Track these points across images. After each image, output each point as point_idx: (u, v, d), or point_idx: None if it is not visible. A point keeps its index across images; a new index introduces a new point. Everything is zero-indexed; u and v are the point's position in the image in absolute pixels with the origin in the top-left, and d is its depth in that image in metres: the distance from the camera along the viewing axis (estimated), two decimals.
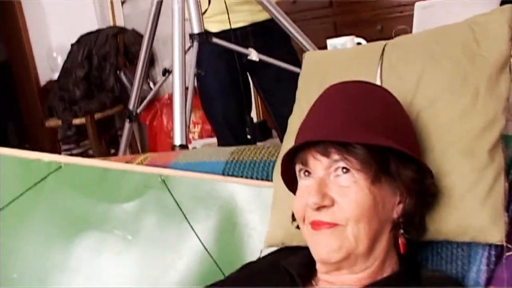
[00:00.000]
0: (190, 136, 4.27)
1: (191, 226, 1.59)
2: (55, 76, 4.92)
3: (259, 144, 3.74)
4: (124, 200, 1.67)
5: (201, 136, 4.60)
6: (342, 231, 1.14)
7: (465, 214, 1.21)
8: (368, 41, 2.19)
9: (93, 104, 4.63)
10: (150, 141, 4.96)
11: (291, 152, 1.20)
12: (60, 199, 1.72)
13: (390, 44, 1.42)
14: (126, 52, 4.82)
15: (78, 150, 5.12)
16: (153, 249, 1.62)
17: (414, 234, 1.23)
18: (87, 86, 4.71)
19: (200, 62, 2.56)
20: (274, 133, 3.96)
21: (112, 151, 4.95)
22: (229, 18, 2.78)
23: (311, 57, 1.60)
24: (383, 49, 1.40)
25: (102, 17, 5.07)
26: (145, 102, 3.09)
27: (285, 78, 2.74)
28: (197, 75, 2.56)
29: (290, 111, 1.56)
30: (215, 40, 2.59)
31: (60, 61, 4.95)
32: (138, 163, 1.75)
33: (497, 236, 1.19)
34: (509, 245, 1.21)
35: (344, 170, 1.15)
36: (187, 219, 1.60)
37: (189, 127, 2.51)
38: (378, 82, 1.35)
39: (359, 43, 2.20)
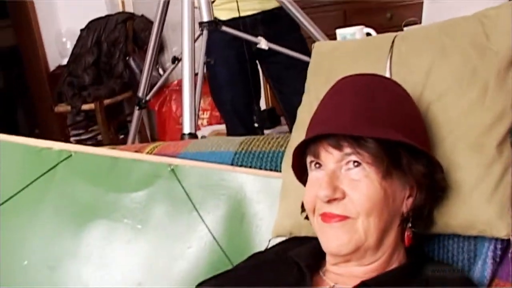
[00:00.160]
0: (199, 122, 4.27)
1: (200, 216, 1.60)
2: (64, 61, 4.93)
3: (267, 131, 3.75)
4: (133, 189, 1.67)
5: (210, 123, 4.61)
6: (353, 224, 1.15)
7: (472, 208, 1.22)
8: (377, 29, 2.19)
9: (102, 90, 4.64)
10: (159, 127, 4.97)
11: (303, 144, 1.21)
12: (70, 187, 1.73)
13: (400, 36, 1.42)
14: (135, 38, 4.82)
15: (87, 135, 5.12)
16: (162, 238, 1.63)
17: (422, 228, 1.23)
18: (96, 72, 4.72)
19: (209, 50, 2.57)
20: (282, 120, 3.97)
21: (121, 136, 4.97)
22: (238, 6, 2.78)
23: (320, 47, 1.59)
24: (393, 42, 1.40)
25: (112, 2, 5.07)
26: (154, 89, 3.10)
27: (294, 66, 2.74)
28: (207, 64, 2.57)
29: (299, 100, 1.56)
30: (224, 28, 2.60)
31: (69, 46, 4.95)
32: (147, 152, 1.76)
33: (503, 230, 1.19)
34: None
35: (356, 163, 1.15)
36: (196, 209, 1.60)
37: (198, 115, 2.52)
38: (387, 75, 1.35)
39: (368, 34, 2.19)
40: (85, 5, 4.93)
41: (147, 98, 3.07)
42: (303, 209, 1.29)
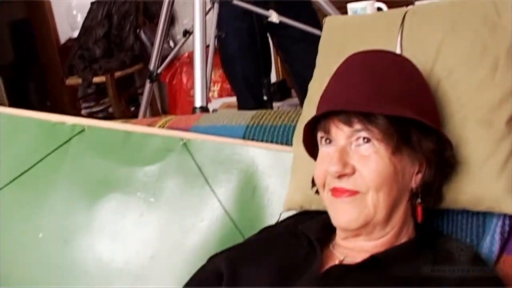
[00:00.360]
0: (210, 95, 4.28)
1: (212, 189, 1.61)
2: (75, 34, 4.93)
3: (278, 104, 3.76)
4: (146, 163, 1.68)
5: (220, 95, 4.61)
6: (362, 200, 1.17)
7: (481, 184, 1.22)
8: (388, 4, 2.19)
9: (113, 62, 4.64)
10: (169, 100, 4.98)
11: (313, 120, 1.21)
12: (83, 161, 1.74)
13: (411, 11, 1.42)
14: (146, 10, 4.81)
15: (98, 108, 5.14)
16: (175, 211, 1.64)
17: (431, 203, 1.24)
18: (107, 44, 4.72)
19: (220, 23, 2.57)
20: (293, 93, 3.97)
21: (132, 109, 4.98)
22: None
23: (332, 22, 1.59)
24: (404, 16, 1.40)
25: None
26: (165, 62, 3.12)
27: (305, 39, 2.74)
28: (218, 37, 2.57)
29: (309, 73, 1.56)
30: (235, 1, 2.59)
31: (80, 19, 4.95)
32: (159, 126, 1.77)
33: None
34: None
35: (366, 140, 1.16)
36: (208, 183, 1.61)
37: (209, 88, 2.54)
38: (398, 50, 1.36)
39: (379, 8, 2.19)
40: None
41: (158, 71, 3.08)
42: (313, 183, 1.30)
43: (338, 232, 1.25)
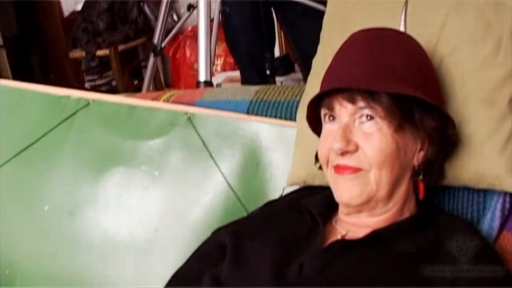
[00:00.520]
0: (213, 69, 4.29)
1: (216, 164, 1.62)
2: (79, 7, 4.90)
3: (281, 78, 3.76)
4: (151, 137, 1.69)
5: (223, 69, 4.60)
6: (365, 176, 1.18)
7: (483, 162, 1.23)
8: None
9: (116, 36, 4.62)
10: (173, 73, 4.97)
11: (317, 97, 1.22)
12: (88, 135, 1.75)
13: None
14: None
15: (101, 81, 5.14)
16: (179, 185, 1.65)
17: (433, 180, 1.25)
18: (111, 17, 4.69)
19: None
20: (296, 67, 3.98)
21: (135, 82, 4.98)
22: None
23: None
24: None
25: None
26: (169, 36, 3.11)
27: (309, 14, 2.74)
28: (222, 11, 2.57)
29: (313, 47, 1.56)
30: None
31: None
32: (164, 101, 1.78)
33: None
34: None
35: (369, 117, 1.17)
36: (212, 157, 1.62)
37: (213, 62, 2.54)
38: (402, 27, 1.36)
39: None
40: None
41: (162, 45, 3.08)
42: (316, 159, 1.31)
43: (340, 207, 1.26)
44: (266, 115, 1.63)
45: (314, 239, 1.23)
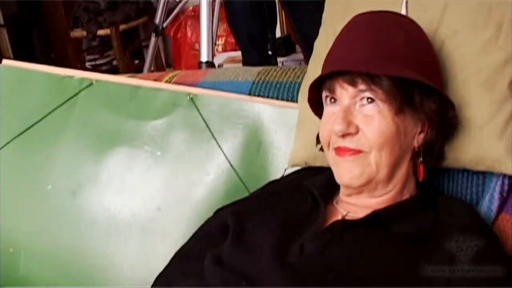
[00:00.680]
0: (214, 49, 4.28)
1: (218, 144, 1.63)
2: None
3: (282, 59, 3.76)
4: (153, 117, 1.70)
5: (224, 49, 4.59)
6: (365, 158, 1.19)
7: (482, 144, 1.24)
8: None
9: (117, 15, 4.61)
10: (174, 53, 4.97)
11: (319, 80, 1.23)
12: (91, 115, 1.76)
13: None
14: None
15: (102, 60, 5.13)
16: (181, 165, 1.66)
17: (432, 162, 1.26)
18: None
19: None
20: (297, 48, 3.97)
21: (136, 62, 4.98)
22: None
23: None
24: None
25: None
26: (171, 16, 3.12)
27: None
28: None
29: (314, 28, 1.57)
30: None
31: None
32: (166, 81, 1.78)
33: (511, 167, 1.23)
34: None
35: (369, 100, 1.17)
36: (214, 137, 1.63)
37: (215, 43, 2.55)
38: (403, 10, 1.36)
39: None
40: None
41: (164, 25, 3.08)
42: (318, 141, 1.32)
43: (341, 188, 1.27)
44: (268, 96, 1.64)
45: (315, 220, 1.24)
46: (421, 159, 1.25)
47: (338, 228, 1.20)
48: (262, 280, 1.14)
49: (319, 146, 1.32)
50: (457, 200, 1.29)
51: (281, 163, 1.56)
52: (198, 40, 4.32)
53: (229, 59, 4.20)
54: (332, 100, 1.22)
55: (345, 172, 1.21)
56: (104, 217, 1.69)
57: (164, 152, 1.68)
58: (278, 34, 3.91)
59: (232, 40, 4.22)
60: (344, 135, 1.18)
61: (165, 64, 4.93)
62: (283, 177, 1.51)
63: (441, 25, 1.32)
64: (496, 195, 1.26)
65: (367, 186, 1.22)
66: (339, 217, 1.25)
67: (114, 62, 4.92)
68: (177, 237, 1.55)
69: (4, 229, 1.76)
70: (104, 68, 5.01)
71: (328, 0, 1.55)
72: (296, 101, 1.57)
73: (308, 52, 1.56)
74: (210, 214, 1.42)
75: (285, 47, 3.98)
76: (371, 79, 1.16)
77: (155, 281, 1.36)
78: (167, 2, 3.05)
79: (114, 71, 4.66)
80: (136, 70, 4.65)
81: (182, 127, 1.68)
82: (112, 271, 1.65)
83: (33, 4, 5.09)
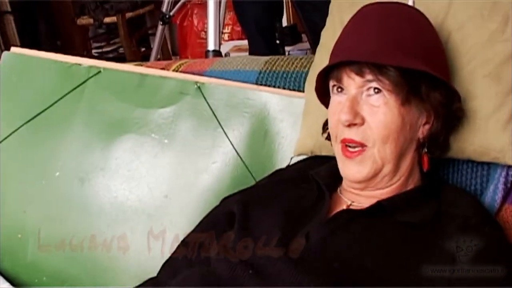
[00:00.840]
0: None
1: (224, 132, 1.64)
2: None
3: (288, 48, 3.77)
4: (161, 105, 1.71)
5: (231, 38, 4.60)
6: (370, 155, 1.19)
7: (488, 136, 1.25)
8: None
9: (124, 3, 4.62)
10: (180, 41, 4.97)
11: (326, 69, 1.23)
12: (99, 103, 1.77)
13: None
14: None
15: (108, 48, 5.15)
16: (188, 153, 1.67)
17: (437, 153, 1.27)
18: None
19: None
20: (303, 37, 3.98)
21: (142, 49, 4.99)
22: None
23: None
24: None
25: None
26: (178, 5, 3.12)
27: None
28: None
29: (320, 18, 1.58)
30: None
31: None
32: (174, 70, 1.79)
33: None
34: None
35: (376, 90, 1.18)
36: (221, 126, 1.64)
37: (222, 32, 2.55)
38: (410, 2, 1.36)
39: None
40: None
41: (171, 13, 3.09)
42: (323, 130, 1.34)
43: (346, 181, 1.28)
44: (274, 86, 1.65)
45: (320, 209, 1.25)
46: (426, 150, 1.25)
47: (343, 218, 1.21)
48: (268, 268, 1.15)
49: (325, 135, 1.34)
50: (461, 191, 1.29)
51: (287, 152, 1.57)
52: (204, 29, 4.33)
53: (235, 48, 4.20)
54: (339, 89, 1.23)
55: (352, 172, 1.22)
56: (111, 204, 1.70)
57: (171, 140, 1.69)
58: (284, 23, 3.91)
59: (238, 28, 4.23)
60: (350, 125, 1.19)
61: (171, 52, 4.94)
62: (289, 166, 1.52)
63: (448, 17, 1.33)
64: (500, 186, 1.27)
65: (373, 180, 1.23)
66: (344, 207, 1.26)
67: (121, 50, 4.93)
68: (184, 225, 1.55)
69: (12, 215, 1.77)
70: (110, 55, 5.02)
71: None
72: (302, 91, 1.57)
73: (315, 42, 1.56)
74: (217, 202, 1.43)
75: (291, 36, 3.98)
76: (378, 69, 1.17)
77: (161, 269, 1.38)
78: None
79: (120, 58, 4.67)
80: (142, 58, 4.66)
81: (189, 116, 1.69)
82: (119, 258, 1.66)
83: None
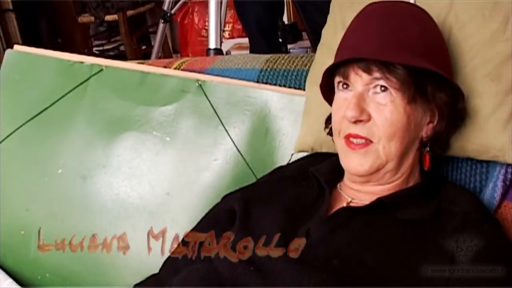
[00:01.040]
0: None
1: (226, 130, 1.64)
2: None
3: (288, 46, 3.77)
4: (162, 103, 1.71)
5: (231, 36, 4.59)
6: (375, 150, 1.20)
7: (488, 134, 1.26)
8: None
9: (125, 1, 4.61)
10: (181, 39, 4.97)
11: (333, 66, 1.24)
12: (101, 101, 1.77)
13: None
14: None
15: (109, 46, 5.15)
16: (190, 150, 1.67)
17: (439, 152, 1.28)
18: None
19: None
20: (304, 35, 3.98)
21: (143, 47, 4.99)
22: None
23: None
24: None
25: None
26: (179, 3, 3.12)
27: None
28: None
29: (321, 16, 1.58)
30: None
31: None
32: (175, 68, 1.79)
33: None
34: None
35: (383, 88, 1.18)
36: (222, 123, 1.65)
37: (223, 30, 2.55)
38: (412, 0, 1.36)
39: None
40: None
41: (172, 11, 3.09)
42: (325, 125, 1.34)
43: (347, 175, 1.29)
44: (275, 84, 1.65)
45: (320, 206, 1.25)
46: (428, 149, 1.26)
47: (343, 215, 1.21)
48: (269, 265, 1.16)
49: (327, 130, 1.34)
50: (460, 188, 1.30)
51: (287, 149, 1.57)
52: (205, 27, 4.34)
53: (236, 46, 4.20)
54: (345, 85, 1.23)
55: (354, 163, 1.22)
56: (113, 202, 1.70)
57: (173, 138, 1.69)
58: (285, 21, 3.91)
59: (239, 26, 4.23)
60: (356, 122, 1.19)
61: (172, 50, 4.94)
62: (289, 163, 1.52)
63: (449, 16, 1.33)
64: (499, 184, 1.28)
65: (375, 175, 1.23)
66: (344, 204, 1.26)
67: (122, 48, 4.93)
68: (185, 222, 1.56)
69: (15, 213, 1.77)
70: (111, 53, 5.03)
71: None
72: (303, 89, 1.58)
73: (315, 40, 1.57)
74: (218, 199, 1.44)
75: (292, 34, 3.98)
76: (386, 67, 1.17)
77: (162, 266, 1.38)
78: None
79: (121, 56, 4.68)
80: (143, 55, 4.66)
81: (191, 113, 1.69)
82: (121, 255, 1.66)
83: None
